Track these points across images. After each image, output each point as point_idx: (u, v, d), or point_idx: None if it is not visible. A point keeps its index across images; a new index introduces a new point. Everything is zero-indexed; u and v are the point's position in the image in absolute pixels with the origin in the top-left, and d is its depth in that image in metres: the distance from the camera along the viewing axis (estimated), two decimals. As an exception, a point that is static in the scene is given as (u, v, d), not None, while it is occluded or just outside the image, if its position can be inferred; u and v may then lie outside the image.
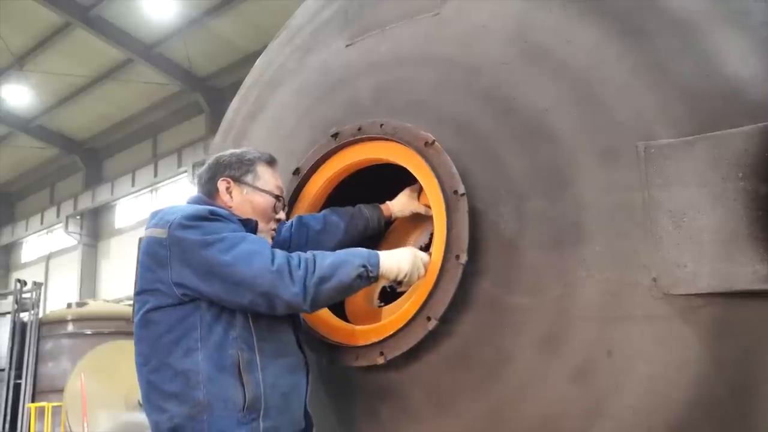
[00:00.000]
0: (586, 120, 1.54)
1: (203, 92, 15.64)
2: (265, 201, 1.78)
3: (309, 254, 1.59)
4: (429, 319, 1.57)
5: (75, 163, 19.59)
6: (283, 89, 2.31)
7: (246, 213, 1.75)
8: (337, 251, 1.61)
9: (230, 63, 14.68)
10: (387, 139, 1.79)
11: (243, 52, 14.15)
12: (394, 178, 1.89)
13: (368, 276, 1.58)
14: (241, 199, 1.78)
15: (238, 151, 1.86)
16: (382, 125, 1.80)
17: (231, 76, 14.57)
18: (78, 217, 19.46)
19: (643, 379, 1.38)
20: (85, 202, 19.14)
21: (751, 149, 1.34)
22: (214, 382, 1.53)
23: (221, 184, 1.78)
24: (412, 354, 1.61)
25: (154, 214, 1.70)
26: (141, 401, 1.65)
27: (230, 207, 1.75)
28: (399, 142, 1.75)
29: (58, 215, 20.11)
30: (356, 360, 1.69)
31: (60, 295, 17.72)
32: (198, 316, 1.57)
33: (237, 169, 1.80)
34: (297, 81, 2.26)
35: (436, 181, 1.63)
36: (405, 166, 1.76)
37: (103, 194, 18.64)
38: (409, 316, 1.60)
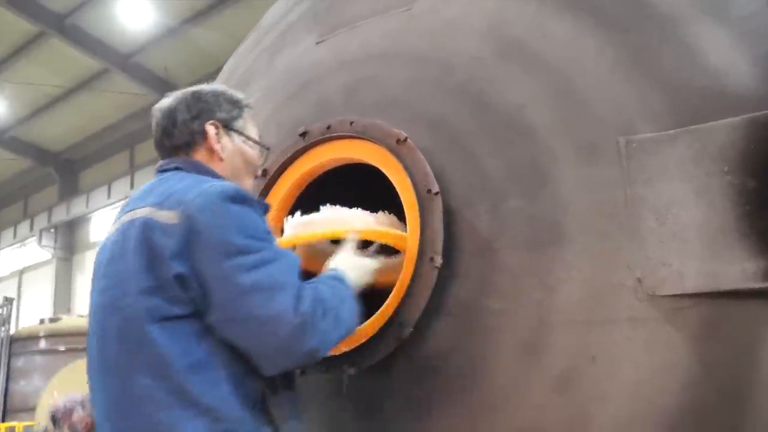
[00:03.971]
0: (565, 115, 1.49)
1: (181, 102, 15.51)
2: (255, 153, 1.51)
3: (332, 299, 1.29)
4: (402, 326, 1.49)
5: (49, 175, 19.26)
6: (251, 90, 2.24)
7: (236, 168, 1.47)
8: (340, 288, 1.35)
9: (208, 72, 14.53)
10: (357, 138, 1.72)
11: (221, 62, 13.91)
12: (369, 177, 1.81)
13: None
14: (232, 151, 1.46)
15: (216, 87, 1.52)
16: (352, 123, 1.73)
17: (209, 86, 14.45)
18: (52, 230, 19.10)
19: (629, 386, 1.31)
20: (60, 215, 18.81)
21: (736, 142, 1.29)
22: (246, 424, 1.22)
23: (210, 129, 1.42)
24: (385, 364, 1.53)
25: (152, 191, 1.35)
26: None
27: (221, 161, 1.44)
28: (370, 140, 1.68)
29: (31, 228, 19.76)
30: (326, 371, 1.60)
31: (34, 311, 17.35)
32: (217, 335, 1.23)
33: (227, 111, 1.47)
34: (266, 81, 2.20)
35: (408, 179, 1.56)
36: (376, 165, 1.68)
37: (78, 206, 18.34)
38: (381, 324, 1.52)
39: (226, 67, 2.64)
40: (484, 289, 1.47)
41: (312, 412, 1.71)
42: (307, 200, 1.91)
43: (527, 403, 1.39)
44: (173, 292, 1.21)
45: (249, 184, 1.54)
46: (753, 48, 1.38)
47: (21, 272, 20.95)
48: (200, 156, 1.45)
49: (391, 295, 1.55)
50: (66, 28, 13.48)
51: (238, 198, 1.26)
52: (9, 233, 20.95)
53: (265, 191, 1.88)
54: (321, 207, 1.67)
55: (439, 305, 1.49)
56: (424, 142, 1.62)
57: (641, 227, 1.34)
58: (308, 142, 1.82)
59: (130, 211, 1.33)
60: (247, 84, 2.28)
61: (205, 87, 1.53)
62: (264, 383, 1.28)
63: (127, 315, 1.24)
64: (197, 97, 1.48)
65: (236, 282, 1.19)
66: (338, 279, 1.38)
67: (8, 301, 10.26)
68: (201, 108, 1.46)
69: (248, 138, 1.51)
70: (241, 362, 1.24)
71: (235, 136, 1.49)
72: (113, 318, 1.27)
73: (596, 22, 1.53)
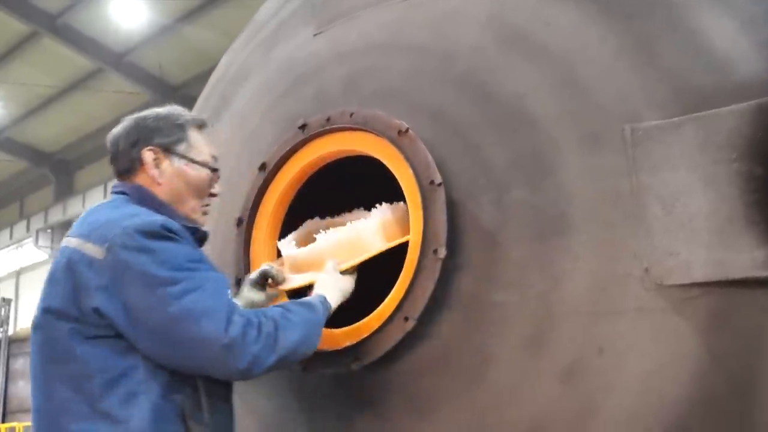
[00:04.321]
0: (569, 104, 1.46)
1: (176, 101, 15.23)
2: (200, 175, 1.52)
3: (270, 323, 1.34)
4: (406, 319, 1.47)
5: (45, 176, 19.18)
6: (248, 85, 2.21)
7: (177, 191, 1.50)
8: (296, 313, 1.40)
9: (203, 71, 14.49)
10: (358, 129, 1.69)
11: (215, 60, 13.78)
12: (371, 169, 1.78)
13: None
14: (171, 174, 1.49)
15: (163, 111, 1.56)
16: (352, 114, 1.70)
17: (203, 85, 14.24)
18: (49, 230, 19.03)
19: (637, 377, 1.29)
20: (56, 216, 18.74)
21: (743, 128, 1.26)
22: None
23: (147, 155, 1.47)
24: (389, 358, 1.50)
25: (86, 219, 1.44)
26: None
27: (159, 185, 1.49)
28: (370, 132, 1.65)
29: (27, 229, 19.69)
30: (329, 366, 1.58)
31: (32, 312, 17.28)
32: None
33: (167, 135, 1.50)
34: (262, 75, 2.16)
35: (410, 171, 1.53)
36: (377, 157, 1.66)
37: (74, 207, 18.26)
38: (385, 317, 1.50)
39: (221, 63, 2.62)
40: (489, 281, 1.44)
41: (316, 407, 1.69)
42: (307, 194, 1.90)
43: (534, 395, 1.37)
44: (93, 320, 1.30)
45: (194, 205, 1.54)
46: (759, 33, 1.36)
47: (18, 273, 20.88)
48: (142, 180, 1.51)
49: (394, 288, 1.53)
50: (58, 27, 13.39)
51: (158, 234, 1.33)
52: (5, 234, 20.87)
53: (264, 186, 1.85)
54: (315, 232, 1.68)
55: (444, 298, 1.47)
56: (425, 134, 1.59)
57: (648, 216, 1.31)
58: (307, 134, 1.79)
59: (69, 237, 1.43)
60: (244, 78, 2.25)
61: (151, 112, 1.58)
62: (187, 397, 1.34)
63: (50, 334, 1.35)
64: (138, 123, 1.54)
65: (164, 311, 1.26)
66: (305, 305, 1.46)
67: (6, 302, 10.26)
68: (139, 135, 1.51)
69: (191, 160, 1.52)
70: (163, 377, 1.32)
71: (176, 159, 1.51)
72: (39, 335, 1.38)
73: (598, 9, 1.50)
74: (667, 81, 1.38)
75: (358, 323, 1.56)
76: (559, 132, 1.45)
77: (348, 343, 1.55)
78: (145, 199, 1.47)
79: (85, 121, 17.04)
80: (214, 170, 1.57)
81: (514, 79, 1.54)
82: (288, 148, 1.81)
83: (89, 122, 17.09)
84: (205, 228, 1.55)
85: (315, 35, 2.03)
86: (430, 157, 1.53)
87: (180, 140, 1.52)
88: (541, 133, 1.47)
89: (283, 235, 1.85)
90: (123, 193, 1.50)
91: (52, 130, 17.43)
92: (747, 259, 1.22)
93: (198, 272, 1.33)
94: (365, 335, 1.53)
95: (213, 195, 1.59)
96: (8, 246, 21.09)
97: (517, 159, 1.48)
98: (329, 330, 1.56)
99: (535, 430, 1.37)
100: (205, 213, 1.58)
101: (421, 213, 1.50)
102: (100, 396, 1.28)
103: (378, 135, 1.63)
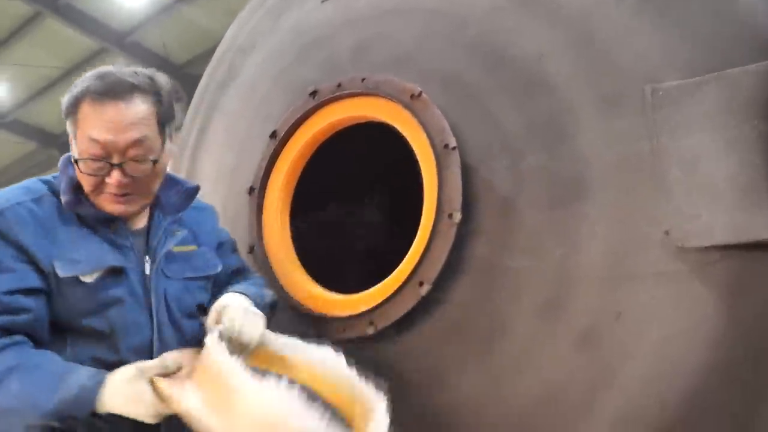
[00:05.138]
0: (586, 65, 1.43)
1: (180, 80, 15.26)
2: (81, 166, 1.28)
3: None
4: (421, 284, 1.45)
5: (53, 157, 19.19)
6: (256, 53, 2.18)
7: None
8: (33, 375, 1.17)
9: (206, 50, 14.37)
10: (370, 95, 1.66)
11: (219, 40, 13.75)
12: (384, 135, 1.75)
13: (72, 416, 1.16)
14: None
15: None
16: (363, 80, 1.67)
17: (207, 64, 14.25)
18: (57, 212, 19.10)
19: (654, 344, 1.27)
20: (64, 197, 18.79)
21: (767, 88, 1.23)
22: None
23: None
24: (404, 323, 1.49)
25: None
26: None
27: None
28: (383, 97, 1.62)
29: (36, 211, 19.75)
30: (343, 332, 1.56)
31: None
32: None
33: (64, 110, 1.30)
34: (271, 43, 2.13)
35: (424, 135, 1.51)
36: (390, 122, 1.63)
37: (81, 188, 18.30)
38: (400, 282, 1.48)
39: (227, 35, 2.59)
40: (505, 246, 1.42)
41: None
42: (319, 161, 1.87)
43: (550, 361, 1.36)
44: None
45: (95, 195, 1.32)
46: (784, -11, 1.32)
47: (27, 254, 21.03)
48: None
49: (409, 253, 1.51)
50: (61, 7, 13.26)
51: None
52: (13, 216, 20.96)
53: (275, 154, 1.83)
54: None
55: (459, 263, 1.45)
56: (438, 99, 1.56)
57: (668, 179, 1.28)
58: (318, 101, 1.76)
59: None
60: (251, 47, 2.21)
61: None
62: None
63: None
64: None
65: None
66: (69, 372, 1.20)
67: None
68: None
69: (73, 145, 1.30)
70: None
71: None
72: None
73: (617, -34, 1.46)
74: (688, 40, 1.35)
75: (373, 288, 1.55)
76: (577, 95, 1.42)
77: (363, 309, 1.53)
78: (64, 170, 1.36)
79: (91, 102, 16.99)
80: (76, 161, 1.29)
81: (529, 41, 1.51)
82: (299, 115, 1.79)
83: (95, 103, 17.07)
84: (105, 212, 1.33)
85: (323, 1, 1.99)
86: (444, 121, 1.50)
87: (67, 116, 1.32)
88: (557, 96, 1.44)
89: (294, 203, 1.82)
90: None
91: (59, 111, 17.29)
92: (768, 222, 1.19)
93: None
94: (380, 300, 1.51)
95: (113, 184, 1.29)
96: (17, 228, 21.22)
97: (533, 123, 1.45)
98: (344, 295, 1.55)
99: (550, 396, 1.36)
100: (114, 201, 1.31)
101: (435, 177, 1.48)
102: None
103: (390, 99, 1.60)
